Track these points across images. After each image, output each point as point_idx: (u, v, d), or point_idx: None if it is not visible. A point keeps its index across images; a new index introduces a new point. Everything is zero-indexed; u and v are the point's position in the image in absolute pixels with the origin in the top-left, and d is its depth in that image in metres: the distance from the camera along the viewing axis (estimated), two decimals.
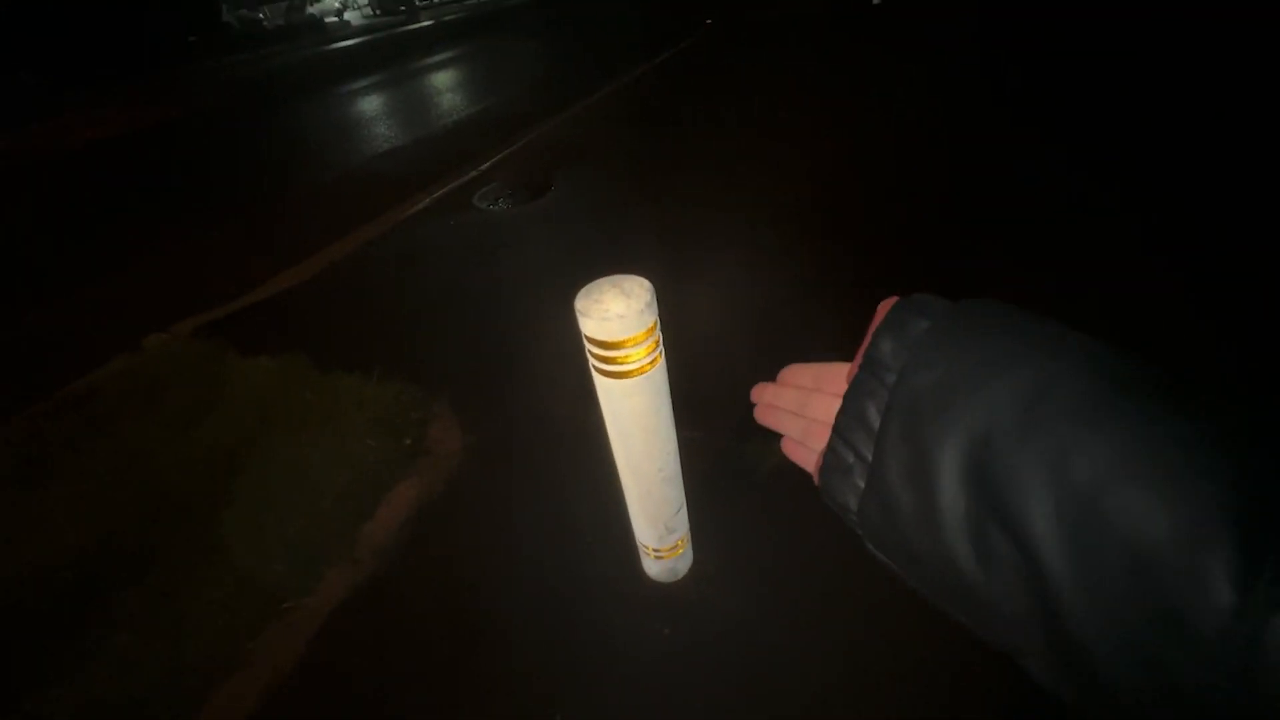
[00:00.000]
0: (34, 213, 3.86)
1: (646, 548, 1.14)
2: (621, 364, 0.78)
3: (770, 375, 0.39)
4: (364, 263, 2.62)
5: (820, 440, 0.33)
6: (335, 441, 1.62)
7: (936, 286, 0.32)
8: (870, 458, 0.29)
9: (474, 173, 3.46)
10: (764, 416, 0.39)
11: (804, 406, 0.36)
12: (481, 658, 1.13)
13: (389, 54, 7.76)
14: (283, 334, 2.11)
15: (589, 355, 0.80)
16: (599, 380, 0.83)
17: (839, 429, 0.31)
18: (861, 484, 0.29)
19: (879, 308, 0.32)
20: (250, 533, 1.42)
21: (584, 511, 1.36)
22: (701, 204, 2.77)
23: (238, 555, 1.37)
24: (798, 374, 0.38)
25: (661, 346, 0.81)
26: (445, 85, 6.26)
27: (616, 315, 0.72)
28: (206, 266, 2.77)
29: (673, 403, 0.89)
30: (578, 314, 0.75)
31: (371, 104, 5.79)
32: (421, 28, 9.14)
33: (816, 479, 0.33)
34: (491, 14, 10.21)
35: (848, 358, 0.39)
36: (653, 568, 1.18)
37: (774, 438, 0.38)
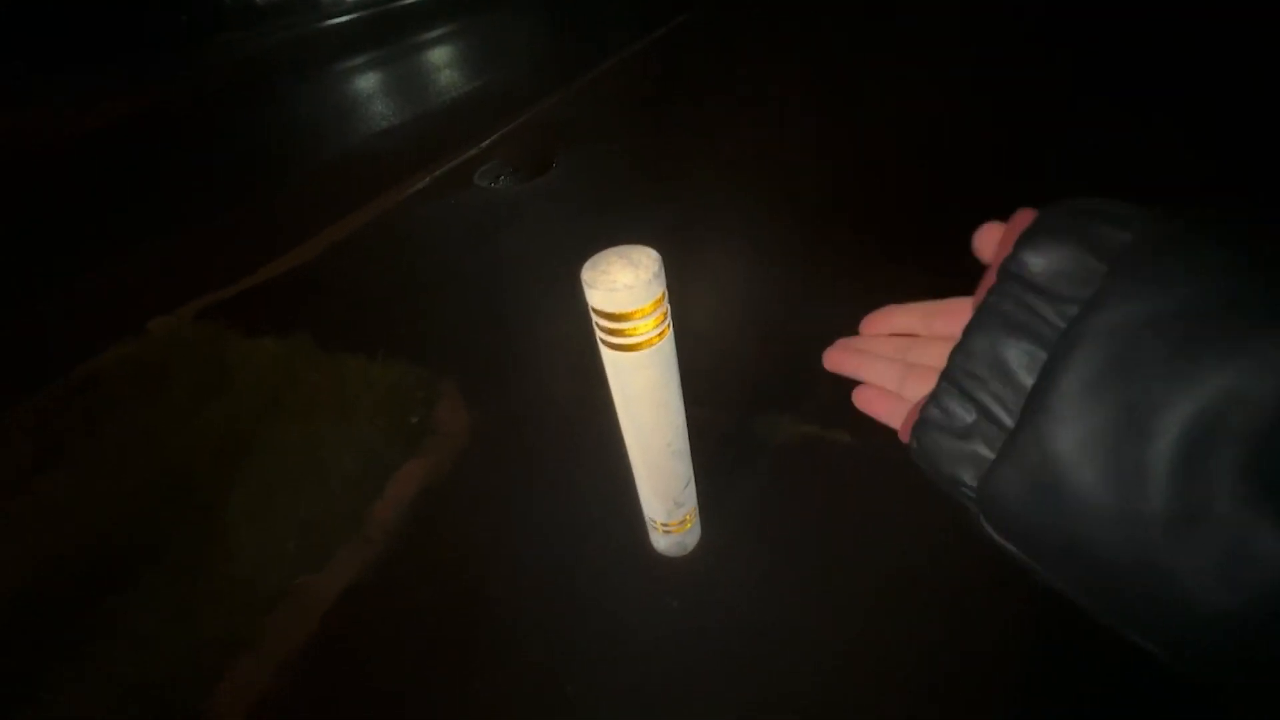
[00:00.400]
0: (34, 199, 3.84)
1: (655, 522, 1.14)
2: (629, 336, 0.76)
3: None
4: (365, 243, 2.60)
5: (922, 387, 0.26)
6: (342, 421, 1.62)
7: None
8: (1010, 420, 0.21)
9: (474, 150, 3.41)
10: (839, 360, 0.30)
11: (905, 351, 0.28)
12: (490, 633, 1.14)
13: (385, 30, 7.62)
14: (287, 316, 2.10)
15: (596, 328, 0.78)
16: (606, 353, 0.82)
17: (954, 375, 0.23)
18: (988, 454, 0.22)
19: (1016, 216, 0.23)
20: (261, 512, 1.43)
21: (591, 486, 1.36)
22: (705, 179, 2.72)
23: (249, 535, 1.38)
24: (894, 316, 0.29)
25: (670, 318, 0.79)
26: (443, 62, 6.14)
27: (624, 286, 0.71)
28: (209, 249, 2.75)
29: (681, 376, 0.88)
30: (584, 285, 0.73)
31: (368, 82, 5.69)
32: (418, 3, 8.94)
33: (907, 437, 0.25)
34: None
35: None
36: (661, 542, 1.18)
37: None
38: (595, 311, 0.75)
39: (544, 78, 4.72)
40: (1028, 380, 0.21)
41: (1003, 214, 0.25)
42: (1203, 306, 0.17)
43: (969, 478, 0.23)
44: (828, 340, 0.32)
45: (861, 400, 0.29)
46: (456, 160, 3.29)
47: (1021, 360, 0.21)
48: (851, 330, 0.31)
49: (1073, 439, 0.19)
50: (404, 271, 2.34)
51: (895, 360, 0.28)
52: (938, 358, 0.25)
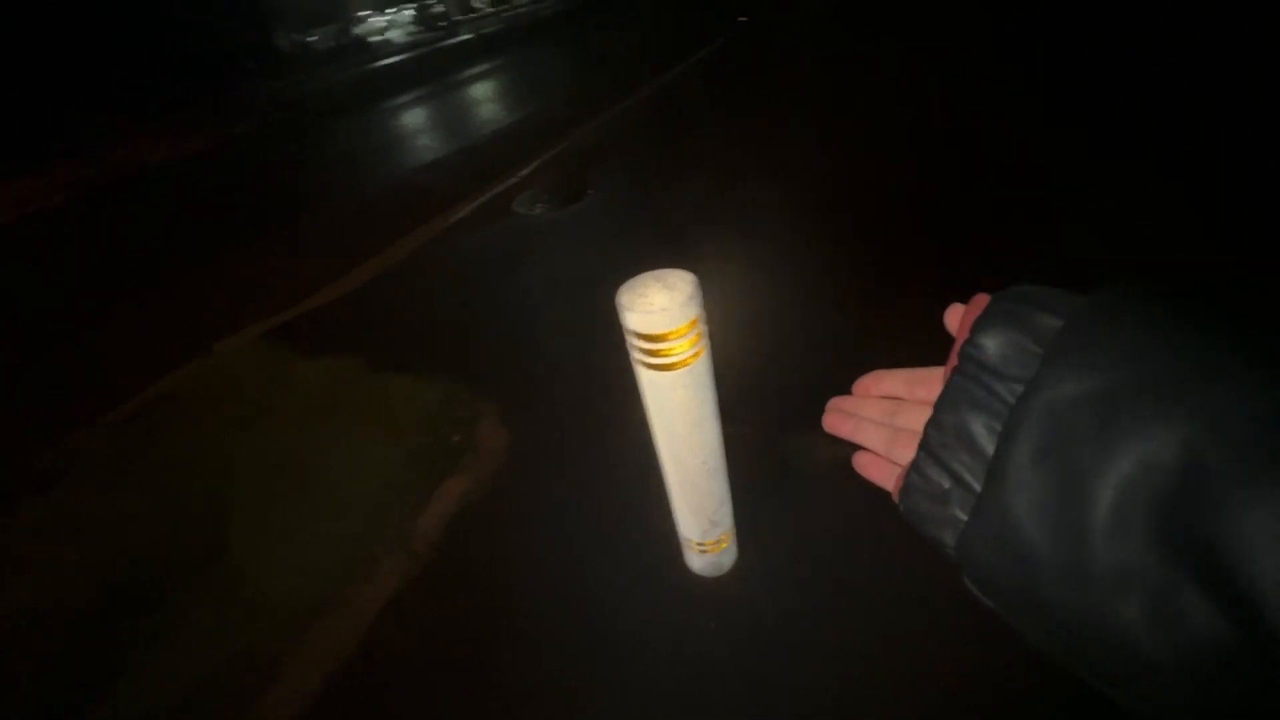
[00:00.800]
0: (106, 227, 4.17)
1: (690, 542, 1.14)
2: (665, 356, 0.79)
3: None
4: (412, 269, 2.73)
5: (907, 453, 0.28)
6: (389, 438, 1.69)
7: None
8: (978, 485, 0.24)
9: (513, 180, 3.55)
10: (835, 424, 0.33)
11: (893, 416, 0.31)
12: (524, 651, 1.16)
13: (430, 69, 8.05)
14: (339, 337, 2.22)
15: (632, 349, 0.81)
16: (643, 374, 0.84)
17: (930, 446, 0.26)
18: (963, 515, 0.24)
19: (973, 301, 0.26)
20: (311, 524, 1.50)
21: (626, 506, 1.37)
22: (741, 201, 2.76)
23: (300, 546, 1.45)
24: (882, 381, 0.32)
25: (706, 339, 0.82)
26: (484, 96, 6.44)
27: (660, 308, 0.74)
28: (268, 275, 2.93)
29: (717, 396, 0.90)
30: (620, 308, 0.77)
31: (415, 117, 6.01)
32: (461, 41, 9.43)
33: (897, 499, 0.28)
34: (528, 25, 10.44)
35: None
36: (696, 562, 1.18)
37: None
38: (632, 333, 0.78)
39: (580, 107, 4.90)
40: (990, 449, 0.23)
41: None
42: (1119, 388, 0.20)
43: (949, 539, 0.25)
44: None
45: (859, 465, 0.32)
46: (497, 189, 3.44)
47: (983, 432, 0.24)
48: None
49: (1026, 504, 0.21)
50: (448, 296, 2.45)
51: (884, 425, 0.31)
52: (919, 423, 0.28)
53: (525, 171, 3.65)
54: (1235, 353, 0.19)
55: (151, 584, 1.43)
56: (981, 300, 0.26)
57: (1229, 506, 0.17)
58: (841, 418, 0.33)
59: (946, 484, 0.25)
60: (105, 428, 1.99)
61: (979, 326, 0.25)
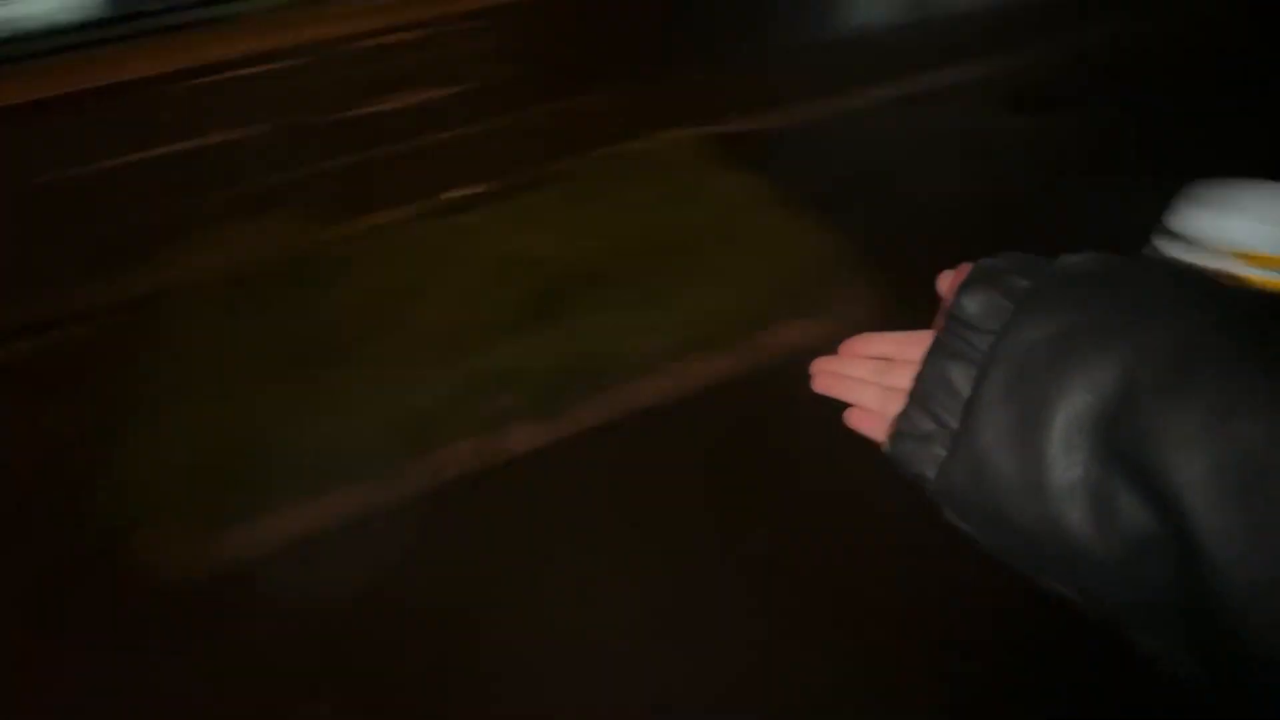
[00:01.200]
0: (586, 23, 4.99)
1: None
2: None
3: None
4: (847, 124, 2.66)
5: (898, 408, 0.31)
6: (759, 259, 1.85)
7: None
8: (955, 424, 0.27)
9: (985, 68, 3.01)
10: (829, 385, 0.35)
11: (883, 375, 0.34)
12: (789, 488, 1.27)
13: None
14: (757, 161, 2.36)
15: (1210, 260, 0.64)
16: None
17: (916, 394, 0.29)
18: (942, 452, 0.28)
19: (959, 269, 0.30)
20: (671, 294, 1.78)
21: None
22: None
23: (650, 315, 1.74)
24: (872, 343, 0.35)
25: None
26: None
27: None
28: (717, 88, 3.17)
29: None
30: (1203, 206, 0.60)
31: None
32: None
33: (886, 446, 0.31)
34: None
35: None
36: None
37: None
38: (1217, 242, 0.61)
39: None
40: (967, 392, 0.27)
41: None
42: (1072, 335, 0.25)
43: (931, 474, 0.28)
44: None
45: (852, 420, 0.34)
46: (964, 74, 2.95)
47: (962, 378, 0.28)
48: None
49: (993, 433, 0.26)
50: (871, 159, 2.34)
51: (876, 384, 0.34)
52: (909, 380, 0.30)
53: (1002, 62, 3.03)
54: (1170, 298, 0.24)
55: (563, 288, 1.90)
56: (965, 268, 0.29)
57: (1154, 415, 0.21)
58: (833, 378, 0.35)
59: (929, 426, 0.28)
60: (567, 165, 2.58)
61: (962, 289, 0.28)
